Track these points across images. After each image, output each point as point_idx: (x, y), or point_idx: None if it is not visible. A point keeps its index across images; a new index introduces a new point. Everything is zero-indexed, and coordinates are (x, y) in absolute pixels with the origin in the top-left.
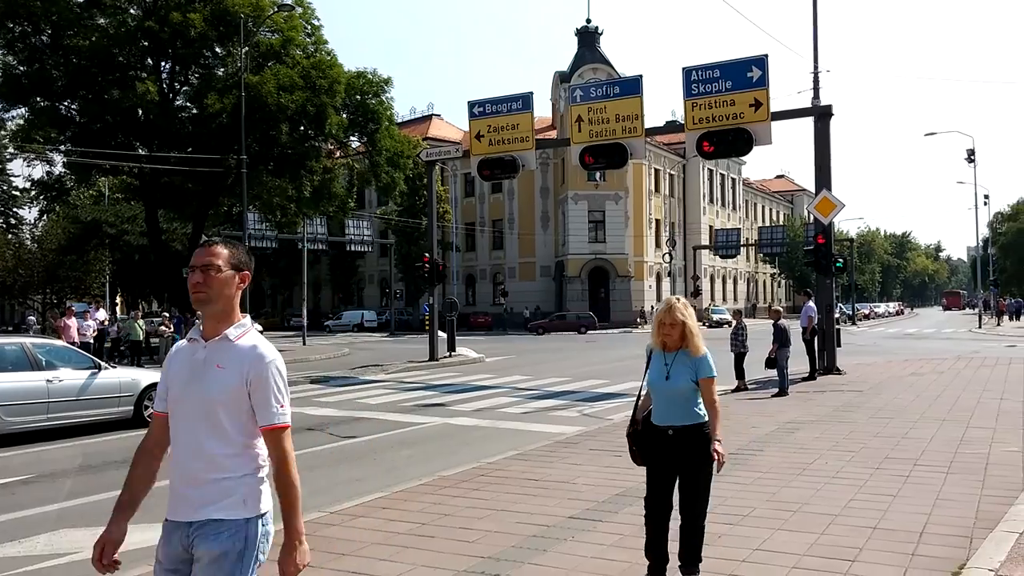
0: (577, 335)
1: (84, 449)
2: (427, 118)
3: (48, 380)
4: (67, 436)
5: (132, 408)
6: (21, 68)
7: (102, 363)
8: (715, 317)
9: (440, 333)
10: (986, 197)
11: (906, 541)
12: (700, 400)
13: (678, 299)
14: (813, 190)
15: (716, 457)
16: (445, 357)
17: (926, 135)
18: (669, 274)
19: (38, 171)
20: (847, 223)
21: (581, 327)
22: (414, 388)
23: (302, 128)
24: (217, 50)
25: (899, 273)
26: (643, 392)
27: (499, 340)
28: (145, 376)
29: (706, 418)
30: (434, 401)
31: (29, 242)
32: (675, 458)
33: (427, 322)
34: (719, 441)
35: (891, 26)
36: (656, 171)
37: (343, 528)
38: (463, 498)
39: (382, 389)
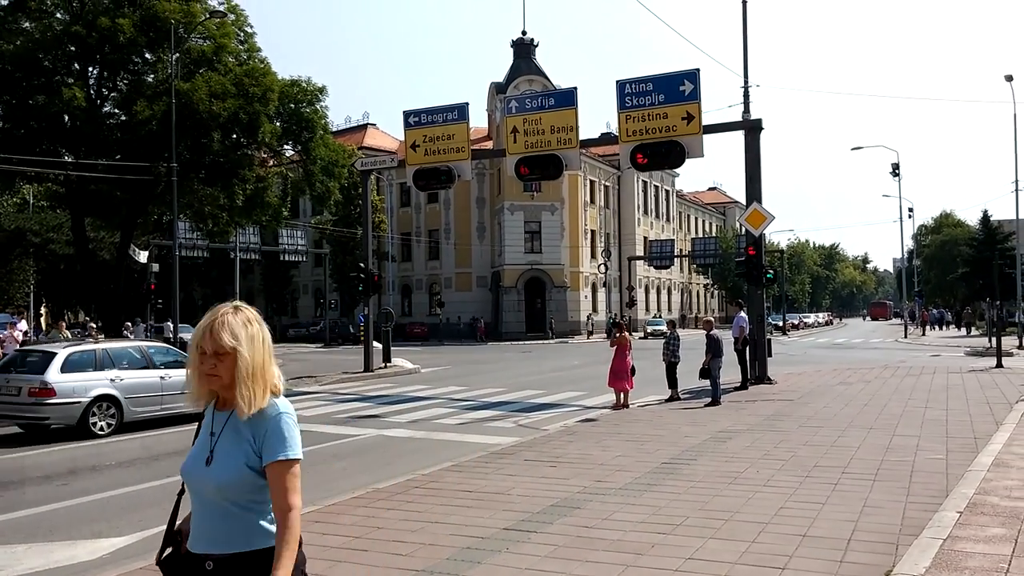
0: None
1: (21, 462)
2: (362, 127)
3: (161, 376)
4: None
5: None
6: None
7: None
8: (649, 329)
9: (375, 344)
10: (910, 210)
11: (834, 548)
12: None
13: (237, 306)
14: (744, 202)
15: None
16: (380, 368)
17: (853, 149)
18: (604, 284)
19: None
20: (777, 235)
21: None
22: (348, 399)
23: (234, 136)
24: (147, 56)
25: (828, 284)
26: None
27: (435, 351)
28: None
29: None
30: (368, 413)
31: None
32: None
33: (362, 332)
34: None
35: (819, 43)
36: (591, 182)
37: None
38: (397, 510)
39: (315, 401)
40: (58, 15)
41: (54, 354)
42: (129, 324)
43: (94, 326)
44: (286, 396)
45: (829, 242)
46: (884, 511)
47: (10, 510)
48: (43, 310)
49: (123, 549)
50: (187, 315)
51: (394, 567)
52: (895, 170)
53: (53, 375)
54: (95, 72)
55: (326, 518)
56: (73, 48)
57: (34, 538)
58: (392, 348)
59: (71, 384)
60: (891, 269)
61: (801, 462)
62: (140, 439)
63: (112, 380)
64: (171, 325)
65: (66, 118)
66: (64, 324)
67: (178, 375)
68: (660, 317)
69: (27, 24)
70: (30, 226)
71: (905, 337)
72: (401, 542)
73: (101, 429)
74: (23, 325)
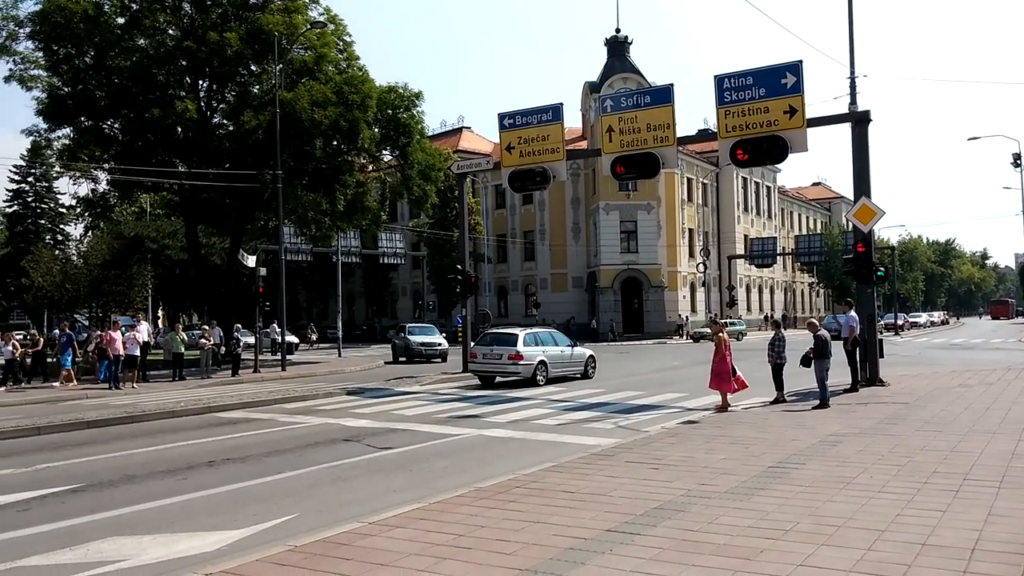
0: (608, 345)
1: (164, 454)
2: (458, 131)
3: (561, 350)
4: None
5: (582, 368)
6: (66, 89)
7: (575, 343)
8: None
9: (473, 344)
10: None
11: (957, 558)
12: None
13: None
14: (852, 197)
15: None
16: None
17: (969, 140)
18: (703, 284)
19: (83, 189)
20: (887, 231)
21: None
22: (448, 400)
23: (335, 143)
24: (252, 68)
25: (943, 281)
26: None
27: None
28: (587, 351)
29: None
30: (468, 413)
31: (75, 257)
32: None
33: (460, 333)
34: None
35: (930, 29)
36: (689, 180)
37: (382, 538)
38: (499, 510)
39: (417, 400)
40: (170, 31)
41: (516, 335)
42: (213, 323)
43: (207, 328)
44: (387, 395)
45: (944, 237)
46: (1011, 520)
47: (137, 502)
48: (160, 312)
49: (239, 541)
50: (292, 317)
51: (498, 566)
52: (1016, 160)
53: (520, 347)
54: (205, 85)
55: (430, 516)
56: (184, 62)
57: (159, 529)
58: None
59: (528, 352)
60: (1013, 265)
61: (918, 468)
62: (262, 434)
63: (543, 352)
64: (277, 327)
65: (179, 130)
66: (180, 326)
67: (567, 350)
68: (731, 318)
69: (142, 41)
70: (148, 233)
71: None
72: (505, 541)
73: (539, 381)
74: (143, 326)
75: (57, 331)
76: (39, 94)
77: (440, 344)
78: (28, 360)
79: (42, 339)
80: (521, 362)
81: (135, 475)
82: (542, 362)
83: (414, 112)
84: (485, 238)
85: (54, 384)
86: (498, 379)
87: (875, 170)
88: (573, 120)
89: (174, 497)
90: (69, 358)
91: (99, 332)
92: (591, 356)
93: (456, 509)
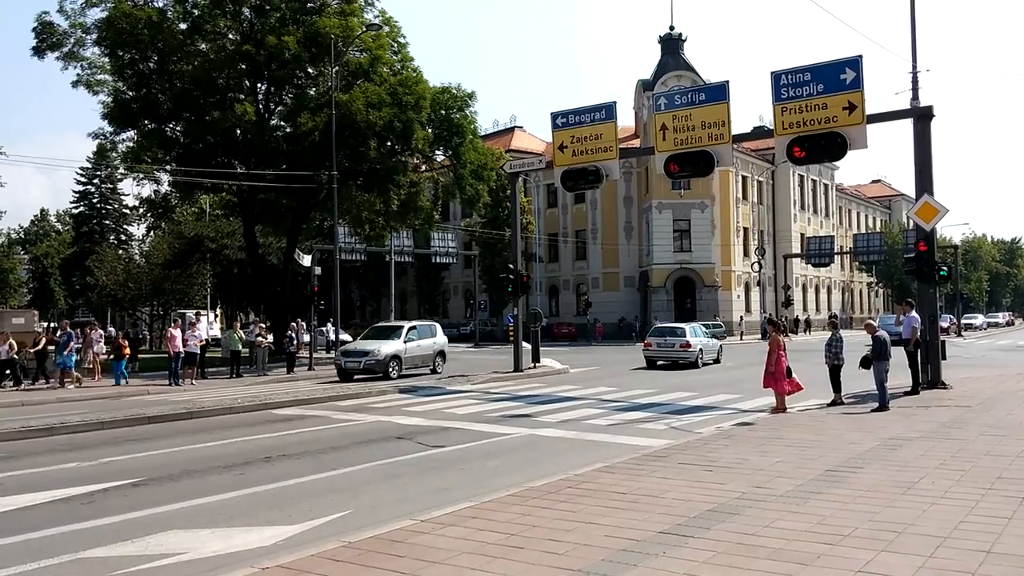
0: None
1: (222, 450)
2: (510, 130)
3: (709, 340)
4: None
5: (716, 355)
6: (130, 93)
7: (713, 335)
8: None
9: (524, 344)
10: None
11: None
12: None
13: None
14: (913, 195)
15: None
16: (530, 368)
17: None
18: (758, 283)
19: (146, 190)
20: (950, 229)
21: None
22: (499, 399)
23: (389, 143)
24: (309, 70)
25: (1009, 281)
26: None
27: (583, 351)
28: (719, 342)
29: None
30: (520, 412)
31: (138, 257)
32: None
33: (511, 333)
34: None
35: (996, 21)
36: (743, 178)
37: (434, 536)
38: (551, 510)
39: (468, 399)
40: (230, 36)
41: (685, 328)
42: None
43: (263, 326)
44: (439, 394)
45: (1010, 236)
46: None
47: (196, 496)
48: (218, 311)
49: (294, 537)
50: (346, 315)
51: (549, 566)
52: None
53: (689, 337)
54: (263, 88)
55: (482, 515)
56: (244, 66)
57: (217, 523)
58: (540, 348)
59: (694, 342)
60: None
61: (983, 473)
62: (317, 431)
63: (701, 341)
64: (330, 326)
65: (238, 132)
66: (238, 324)
67: (712, 341)
68: (713, 321)
69: (203, 45)
70: (207, 233)
71: None
72: (556, 541)
73: (699, 364)
74: (203, 324)
75: (262, 325)
76: (105, 98)
77: (369, 352)
78: (29, 360)
79: (43, 338)
80: (690, 349)
81: (194, 470)
82: (701, 349)
83: (467, 112)
84: (537, 237)
85: (55, 385)
86: (659, 362)
87: (938, 167)
88: (626, 119)
89: (231, 492)
90: (72, 358)
91: (101, 331)
92: (721, 345)
93: (507, 508)
